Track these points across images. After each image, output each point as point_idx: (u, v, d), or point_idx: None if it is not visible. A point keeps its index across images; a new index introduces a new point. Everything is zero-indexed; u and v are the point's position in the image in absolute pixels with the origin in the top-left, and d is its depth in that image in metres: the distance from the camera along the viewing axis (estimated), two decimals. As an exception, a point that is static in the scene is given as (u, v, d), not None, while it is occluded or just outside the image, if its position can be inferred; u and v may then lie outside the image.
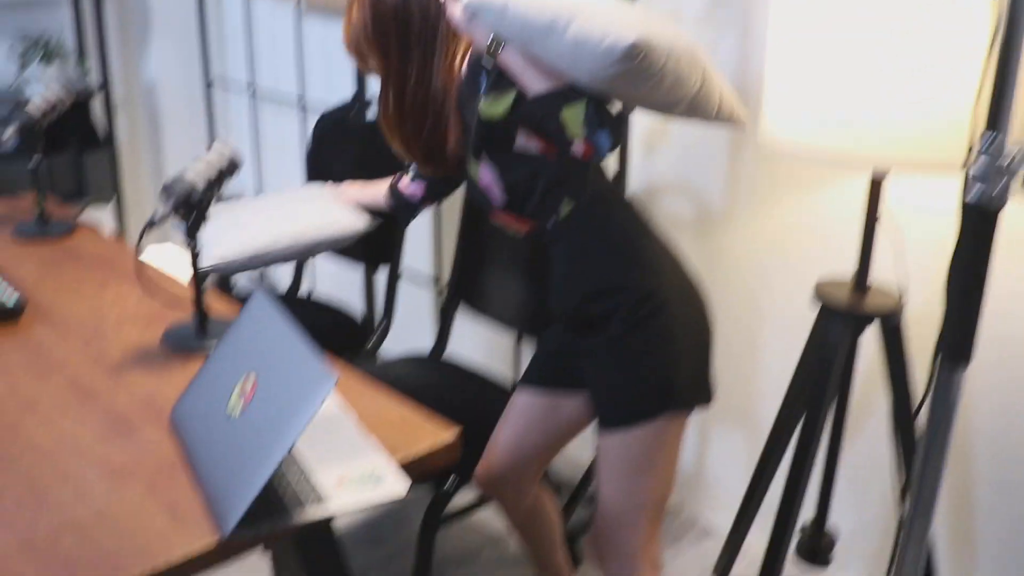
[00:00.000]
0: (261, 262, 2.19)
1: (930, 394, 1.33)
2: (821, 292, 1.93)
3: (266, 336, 1.44)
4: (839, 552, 2.44)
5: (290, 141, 3.79)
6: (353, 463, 1.42)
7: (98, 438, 1.52)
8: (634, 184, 2.63)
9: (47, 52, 3.53)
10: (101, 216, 3.98)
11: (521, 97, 1.65)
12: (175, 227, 1.74)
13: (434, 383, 2.39)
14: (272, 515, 1.31)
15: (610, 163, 2.51)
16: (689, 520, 2.77)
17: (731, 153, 2.39)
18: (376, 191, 2.32)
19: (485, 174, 1.78)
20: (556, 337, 1.90)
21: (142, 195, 4.19)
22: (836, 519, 2.43)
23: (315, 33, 3.51)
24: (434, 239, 3.16)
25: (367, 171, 2.74)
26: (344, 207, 2.32)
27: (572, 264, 1.76)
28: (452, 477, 2.13)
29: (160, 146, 4.05)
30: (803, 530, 2.21)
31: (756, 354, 2.49)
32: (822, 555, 2.17)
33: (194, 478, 1.41)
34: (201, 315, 1.82)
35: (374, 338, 2.74)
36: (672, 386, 1.69)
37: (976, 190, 1.19)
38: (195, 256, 1.77)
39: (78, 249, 2.35)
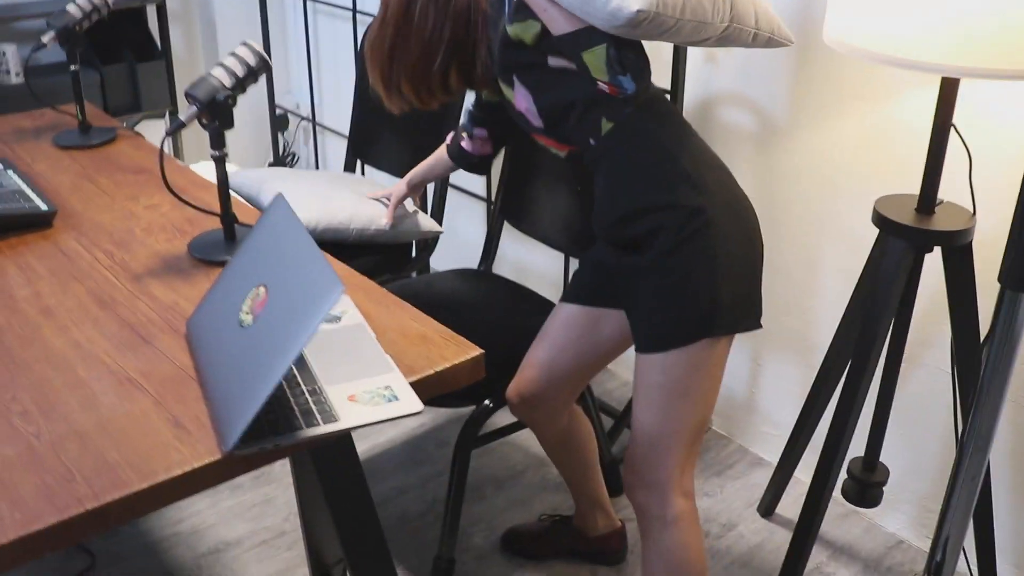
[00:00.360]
0: (335, 235, 2.35)
1: (995, 325, 1.22)
2: (881, 209, 1.80)
3: (280, 245, 1.37)
4: (889, 493, 2.34)
5: (345, 50, 3.70)
6: (368, 380, 1.36)
7: (113, 347, 1.48)
8: (691, 95, 2.50)
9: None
10: (158, 127, 3.96)
11: (546, 30, 1.59)
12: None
13: (477, 296, 2.32)
14: (277, 431, 1.25)
15: (658, 75, 2.37)
16: (739, 450, 2.68)
17: (795, 61, 2.24)
18: (438, 164, 2.21)
19: (520, 98, 1.70)
20: (600, 254, 1.81)
21: (199, 108, 4.15)
22: (888, 458, 2.32)
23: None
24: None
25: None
26: (411, 205, 2.43)
27: (614, 183, 1.67)
28: (487, 400, 2.07)
29: (216, 57, 3.99)
30: (851, 468, 2.10)
31: (815, 276, 2.37)
32: (871, 496, 2.06)
33: (203, 391, 1.36)
34: (228, 224, 1.76)
35: (420, 252, 2.67)
36: (715, 309, 1.59)
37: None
38: (222, 161, 1.70)
39: (118, 158, 2.31)
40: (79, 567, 2.26)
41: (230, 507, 2.45)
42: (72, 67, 2.33)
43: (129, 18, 3.75)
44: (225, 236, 1.77)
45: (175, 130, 1.63)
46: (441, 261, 3.59)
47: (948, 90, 1.69)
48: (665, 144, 1.63)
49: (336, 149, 3.99)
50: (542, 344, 1.91)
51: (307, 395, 1.32)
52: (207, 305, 1.49)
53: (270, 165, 3.94)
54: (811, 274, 2.38)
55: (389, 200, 2.36)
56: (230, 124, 1.65)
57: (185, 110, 1.65)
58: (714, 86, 2.45)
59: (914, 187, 2.07)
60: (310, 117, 3.92)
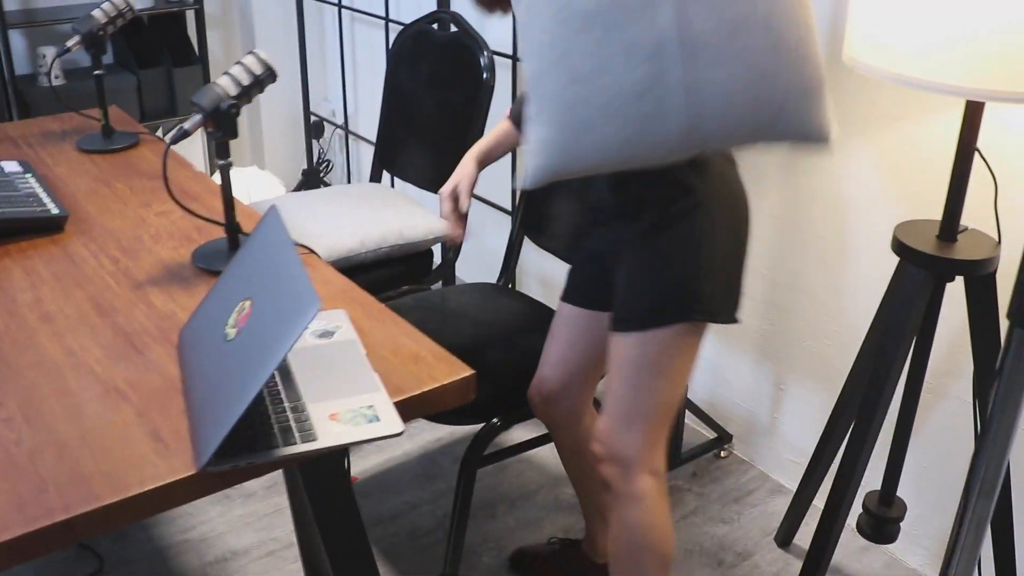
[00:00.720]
0: (347, 263, 2.36)
1: (1002, 365, 1.16)
2: (901, 235, 1.74)
3: (268, 258, 1.35)
4: (912, 528, 2.26)
5: (380, 58, 3.70)
6: (352, 399, 1.33)
7: (105, 356, 1.47)
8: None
9: (139, -35, 3.50)
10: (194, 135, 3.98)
11: None
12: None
13: (492, 311, 2.28)
14: (254, 448, 1.22)
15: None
16: (759, 477, 2.62)
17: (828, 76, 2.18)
18: (504, 135, 2.06)
19: None
20: (590, 244, 1.82)
21: (236, 114, 4.17)
22: (910, 491, 2.24)
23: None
24: (511, 171, 3.03)
25: (440, 87, 2.64)
26: (423, 211, 2.34)
27: None
28: (496, 418, 2.04)
29: (254, 64, 4.01)
30: (866, 503, 2.03)
31: (840, 300, 2.30)
32: (887, 532, 1.99)
33: (186, 404, 1.34)
34: (232, 232, 1.75)
35: (443, 261, 2.64)
36: (696, 294, 1.60)
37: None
38: (226, 170, 1.69)
39: (138, 163, 2.31)
40: (87, 570, 2.26)
41: (241, 516, 2.44)
42: (96, 72, 2.34)
43: (168, 23, 3.78)
44: (229, 245, 1.75)
45: (179, 139, 1.62)
46: (470, 272, 3.57)
47: (973, 113, 1.63)
48: None
49: (369, 158, 3.98)
50: (552, 343, 1.93)
51: (289, 412, 1.30)
52: (199, 316, 1.47)
53: (304, 172, 3.95)
54: (836, 297, 2.31)
55: (459, 189, 1.99)
56: (234, 134, 1.64)
57: (190, 118, 1.64)
58: (742, 104, 2.40)
59: (938, 212, 2.00)
60: (344, 126, 3.92)
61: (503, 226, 3.26)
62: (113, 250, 1.83)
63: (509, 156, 2.99)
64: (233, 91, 1.62)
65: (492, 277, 3.35)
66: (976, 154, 1.66)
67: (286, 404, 1.31)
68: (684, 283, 1.59)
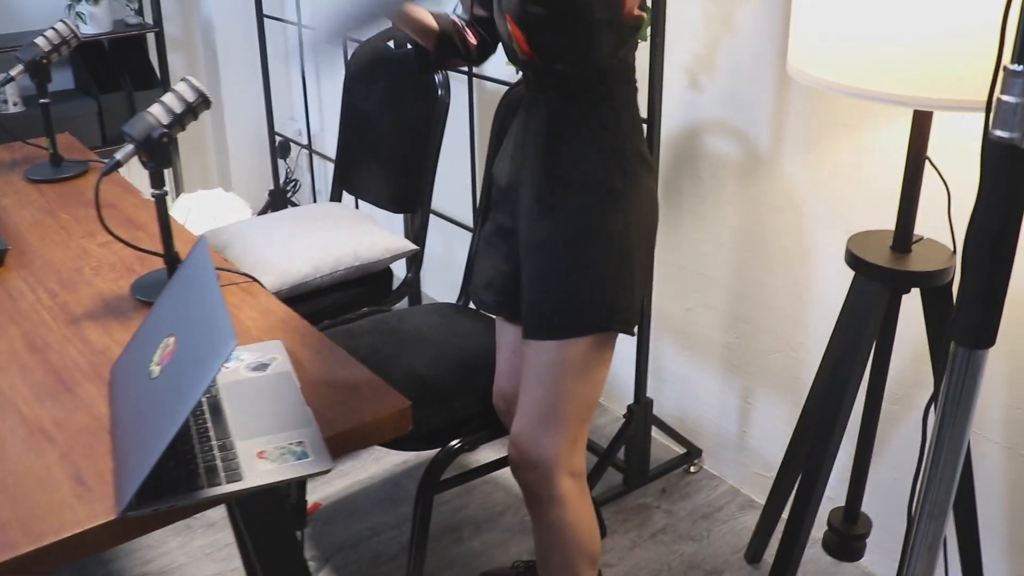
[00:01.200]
0: (304, 289, 2.34)
1: (947, 387, 1.12)
2: (855, 247, 1.70)
3: (193, 292, 1.31)
4: (876, 542, 2.22)
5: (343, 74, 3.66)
6: (282, 435, 1.29)
7: (33, 395, 1.43)
8: (672, 122, 2.41)
9: (96, -11, 3.46)
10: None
11: None
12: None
13: (450, 332, 2.24)
14: (178, 490, 1.18)
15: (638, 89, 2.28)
16: (730, 492, 2.58)
17: (776, 87, 2.16)
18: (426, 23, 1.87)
19: None
20: (494, 231, 1.82)
21: (200, 136, 4.12)
22: (879, 500, 2.21)
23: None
24: (472, 188, 2.99)
25: (396, 105, 2.60)
26: (379, 229, 2.33)
27: (550, 130, 1.63)
28: (454, 441, 1.99)
29: (218, 83, 3.97)
30: (831, 520, 1.99)
31: (804, 312, 2.27)
32: (852, 548, 1.96)
33: (112, 445, 1.30)
34: (171, 263, 1.71)
35: (398, 287, 2.60)
36: (616, 305, 1.61)
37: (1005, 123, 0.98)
38: (161, 200, 1.65)
39: (85, 191, 2.27)
40: (43, 609, 2.20)
41: (201, 546, 2.39)
42: (41, 100, 2.30)
43: (129, 46, 3.74)
44: (168, 276, 1.71)
45: (110, 169, 1.58)
46: (435, 287, 3.53)
47: (921, 122, 1.60)
48: (622, 114, 1.61)
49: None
50: (499, 352, 1.94)
51: (216, 450, 1.26)
52: (129, 352, 1.43)
53: (271, 192, 3.91)
54: (800, 310, 2.28)
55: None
56: (167, 163, 1.60)
57: (122, 148, 1.60)
58: (696, 113, 2.37)
59: (893, 221, 1.97)
60: (308, 145, 3.88)
61: (466, 242, 3.22)
62: (52, 283, 1.79)
63: (469, 174, 2.95)
64: (165, 119, 1.58)
65: (456, 292, 3.31)
66: (927, 162, 1.63)
67: (214, 442, 1.27)
68: (604, 293, 1.59)
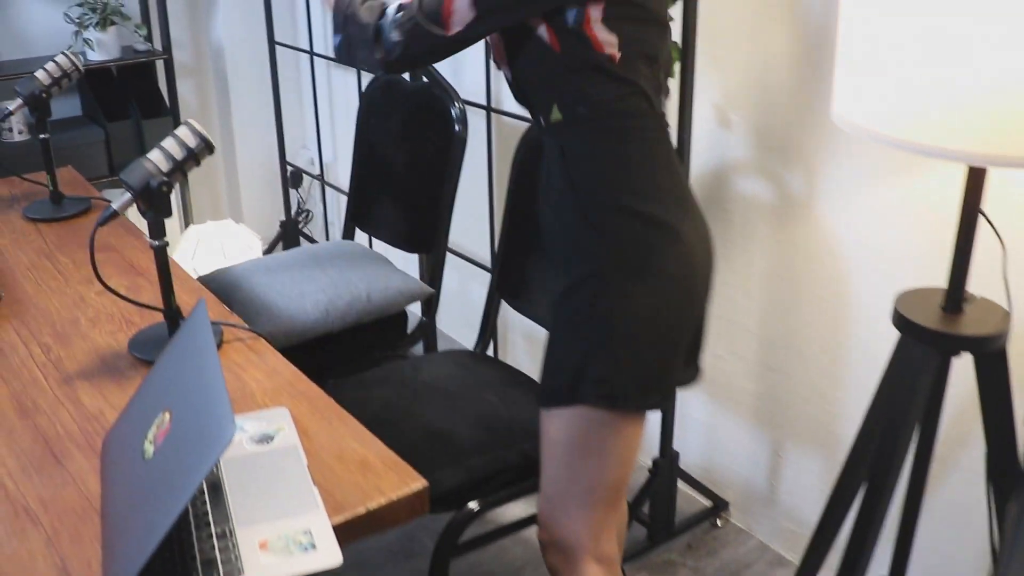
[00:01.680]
0: (314, 334, 2.22)
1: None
2: (903, 307, 1.59)
3: (191, 363, 1.20)
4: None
5: (356, 104, 3.56)
6: (286, 521, 1.18)
7: (20, 468, 1.32)
8: (702, 161, 2.30)
9: (104, 15, 3.37)
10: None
11: None
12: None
13: (466, 384, 2.13)
14: (170, 588, 1.07)
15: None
16: (759, 548, 2.45)
17: (812, 128, 2.05)
18: None
19: (496, 42, 1.51)
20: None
21: (210, 164, 4.03)
22: (921, 568, 2.08)
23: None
24: (490, 225, 2.88)
25: (411, 140, 2.50)
26: (393, 271, 2.25)
27: (544, 183, 1.54)
28: (471, 503, 1.88)
29: (228, 111, 3.88)
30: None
31: (839, 363, 2.15)
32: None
33: (103, 529, 1.19)
34: (171, 319, 1.60)
35: (412, 330, 2.49)
36: (583, 375, 1.46)
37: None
38: (162, 251, 1.55)
39: (86, 232, 2.17)
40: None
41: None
42: (41, 136, 2.20)
43: (138, 73, 3.65)
44: (169, 332, 1.60)
45: (106, 220, 1.49)
46: (451, 326, 3.42)
47: (976, 178, 1.48)
48: (593, 159, 1.45)
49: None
50: None
51: (215, 539, 1.15)
52: (122, 423, 1.32)
53: (282, 223, 3.81)
54: (835, 361, 2.16)
55: None
56: (167, 212, 1.50)
57: (119, 196, 1.50)
58: (726, 153, 2.26)
59: (940, 271, 1.86)
60: (320, 176, 3.79)
61: (484, 282, 3.11)
62: (46, 336, 1.69)
63: (487, 210, 2.84)
64: (165, 167, 1.48)
65: (474, 332, 3.20)
66: (981, 217, 1.51)
67: (212, 530, 1.16)
68: (574, 361, 1.46)
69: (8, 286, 1.88)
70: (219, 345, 1.62)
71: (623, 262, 1.43)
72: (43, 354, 1.62)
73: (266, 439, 1.34)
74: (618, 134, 1.45)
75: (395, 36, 1.42)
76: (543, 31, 1.41)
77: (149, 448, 1.17)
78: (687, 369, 1.59)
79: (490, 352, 2.40)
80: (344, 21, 1.49)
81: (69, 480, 1.29)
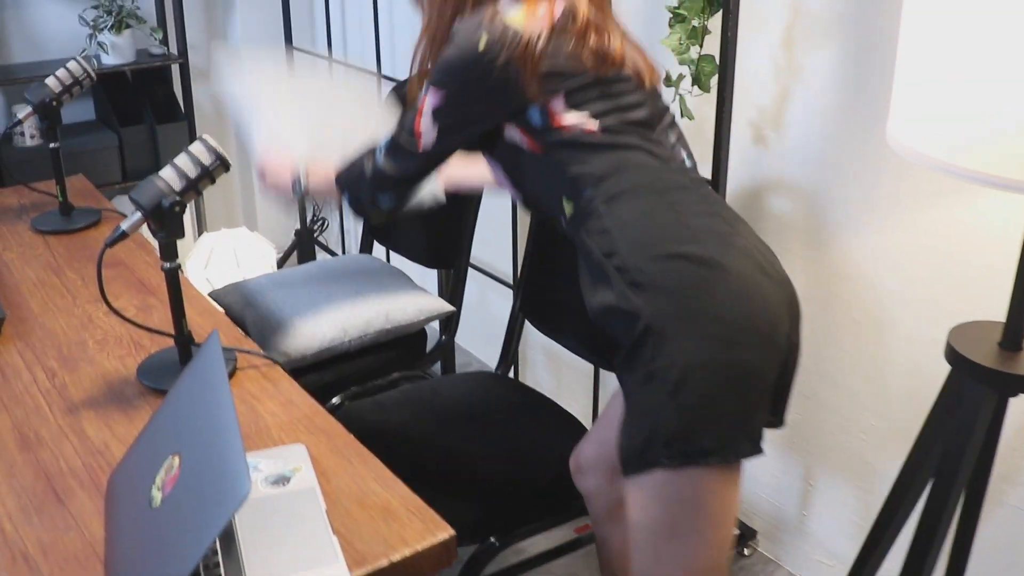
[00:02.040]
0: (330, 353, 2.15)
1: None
2: (957, 342, 1.49)
3: (202, 402, 1.12)
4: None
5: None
6: (303, 574, 1.09)
7: (19, 508, 1.24)
8: (736, 180, 2.21)
9: (119, 18, 3.30)
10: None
11: None
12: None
13: (487, 408, 2.04)
14: (177, 651, 0.99)
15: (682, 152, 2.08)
16: (788, 581, 2.36)
17: (857, 147, 1.95)
18: (477, 170, 1.91)
19: (494, 167, 1.54)
20: None
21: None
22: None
23: (405, 3, 3.20)
24: (513, 235, 2.79)
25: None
26: (413, 288, 2.20)
27: (582, 273, 1.47)
28: (492, 537, 1.80)
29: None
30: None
31: (876, 391, 2.06)
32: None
33: (105, 580, 1.11)
34: (183, 345, 1.52)
35: (431, 349, 2.41)
36: (655, 436, 1.33)
37: None
38: (173, 275, 1.47)
39: (96, 245, 2.09)
40: None
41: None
42: (51, 144, 2.12)
43: (153, 77, 3.58)
44: (180, 359, 1.52)
45: (114, 241, 1.40)
46: (471, 342, 3.34)
47: (1040, 204, 1.39)
48: (613, 230, 1.38)
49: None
50: (602, 415, 1.77)
51: (226, 593, 1.06)
52: (129, 462, 1.24)
53: (297, 232, 3.73)
54: (872, 389, 2.07)
55: None
56: (179, 233, 1.42)
57: (129, 214, 1.42)
58: (760, 171, 2.17)
59: (992, 301, 1.77)
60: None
61: (505, 296, 3.02)
62: (51, 359, 1.61)
63: (510, 223, 2.76)
64: (178, 185, 1.40)
65: (494, 348, 3.12)
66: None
67: (230, 570, 1.08)
68: (646, 424, 1.34)
69: (14, 304, 1.81)
70: (232, 372, 1.54)
71: (672, 311, 1.32)
72: (48, 380, 1.55)
73: (282, 480, 1.26)
74: (632, 197, 1.39)
75: (386, 163, 1.51)
76: (517, 136, 1.43)
77: (157, 495, 1.08)
78: (775, 411, 1.47)
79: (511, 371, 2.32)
80: (345, 180, 1.60)
81: (71, 523, 1.21)
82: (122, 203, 3.33)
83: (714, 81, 1.96)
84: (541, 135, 1.40)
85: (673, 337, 1.30)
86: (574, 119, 1.39)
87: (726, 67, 1.90)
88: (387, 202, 1.56)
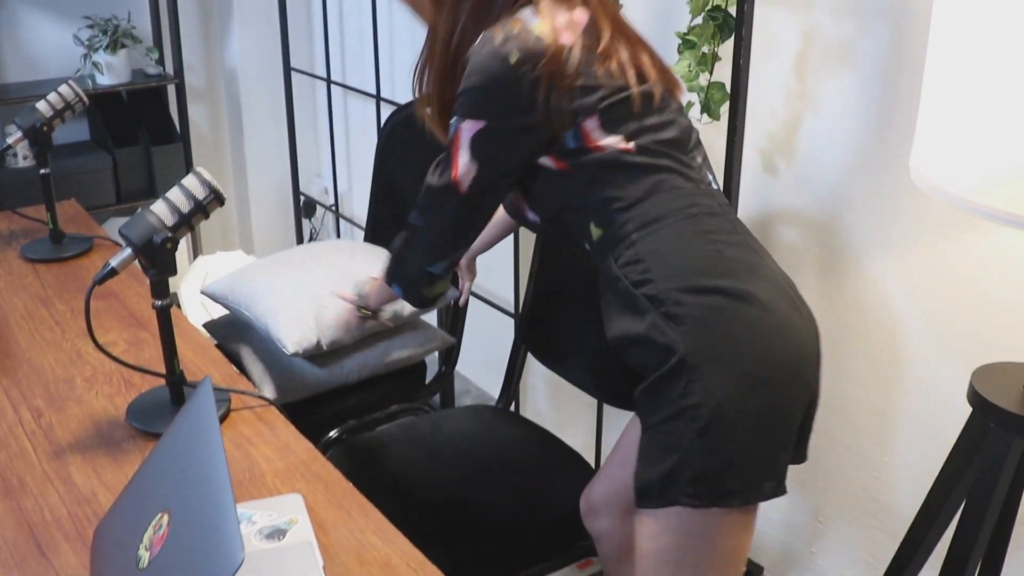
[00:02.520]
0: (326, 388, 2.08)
1: None
2: (981, 385, 1.44)
3: (193, 454, 1.06)
4: None
5: (374, 134, 3.43)
6: (298, 641, 1.03)
7: (1, 562, 1.18)
8: (745, 208, 2.16)
9: (115, 38, 3.24)
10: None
11: None
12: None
13: (489, 444, 1.98)
14: None
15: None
16: (798, 622, 2.30)
17: (872, 177, 1.90)
18: (496, 226, 1.90)
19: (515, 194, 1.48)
20: None
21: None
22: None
23: (405, 22, 3.15)
24: (515, 267, 2.73)
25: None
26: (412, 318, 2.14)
27: (606, 300, 1.41)
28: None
29: (241, 137, 3.75)
30: None
31: (889, 427, 2.00)
32: None
33: (89, 645, 1.05)
34: (174, 385, 1.46)
35: (439, 374, 2.34)
36: (680, 475, 1.28)
37: None
38: (165, 312, 1.40)
39: (87, 274, 2.03)
40: None
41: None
42: (42, 171, 2.07)
43: (148, 98, 3.52)
44: (172, 400, 1.46)
45: (103, 278, 1.34)
46: (472, 371, 3.27)
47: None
48: (647, 258, 1.32)
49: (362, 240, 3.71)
50: (613, 452, 1.71)
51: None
52: (116, 515, 1.18)
53: (293, 255, 3.67)
54: (884, 424, 2.01)
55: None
56: (172, 270, 1.36)
57: (119, 252, 1.36)
58: (772, 200, 2.12)
59: (1020, 349, 1.71)
60: (334, 206, 3.65)
61: (505, 324, 2.96)
62: (38, 398, 1.55)
63: (512, 253, 2.70)
64: (170, 221, 1.34)
65: (492, 374, 3.06)
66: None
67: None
68: (669, 458, 1.28)
69: (1, 337, 1.74)
70: (226, 414, 1.48)
71: (709, 346, 1.26)
72: (33, 420, 1.48)
73: (277, 534, 1.19)
74: (666, 224, 1.33)
75: (423, 219, 1.45)
76: (548, 162, 1.36)
77: (144, 555, 1.02)
78: (796, 446, 1.42)
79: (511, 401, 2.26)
80: (392, 273, 1.56)
81: (54, 579, 1.15)
82: (116, 225, 3.27)
83: (724, 107, 1.91)
84: (574, 156, 1.34)
85: (710, 374, 1.25)
86: (609, 140, 1.32)
87: (738, 96, 1.85)
88: (440, 267, 1.48)
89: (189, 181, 1.38)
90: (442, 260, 1.47)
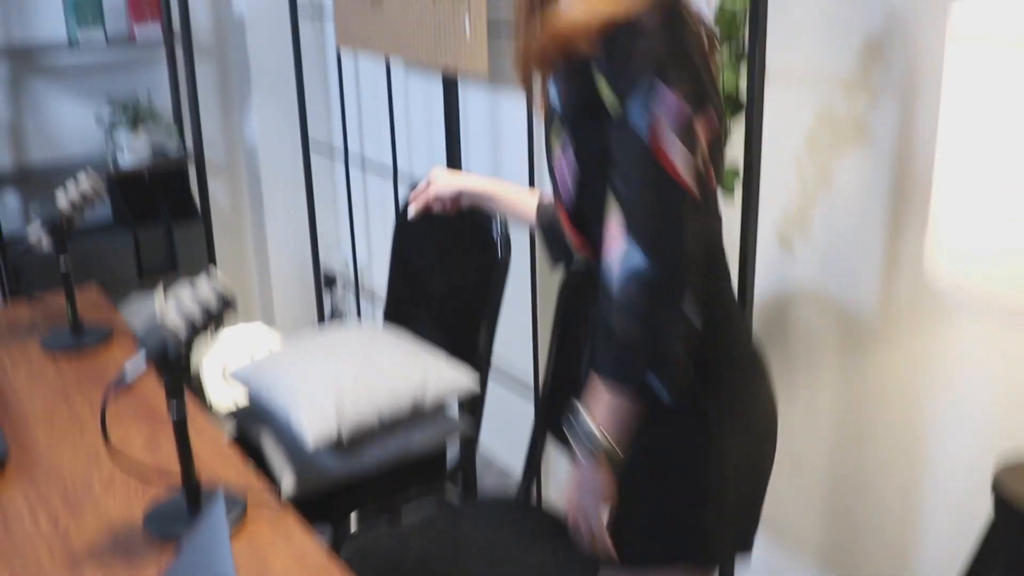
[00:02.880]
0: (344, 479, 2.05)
1: None
2: (1005, 484, 1.41)
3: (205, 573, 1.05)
4: None
5: (392, 207, 3.45)
6: None
7: None
8: (762, 285, 2.15)
9: (135, 116, 3.29)
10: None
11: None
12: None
13: (509, 542, 1.94)
14: None
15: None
16: None
17: (886, 254, 1.89)
18: (518, 200, 1.77)
19: (565, 155, 1.32)
20: None
21: (241, 263, 3.93)
22: None
23: (420, 96, 3.18)
24: (534, 344, 2.71)
25: (450, 261, 2.37)
26: (444, 364, 2.08)
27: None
28: None
29: (261, 213, 3.79)
30: None
31: (913, 512, 1.97)
32: None
33: None
34: (191, 492, 1.45)
35: (451, 470, 2.32)
36: (701, 534, 1.29)
37: None
38: (182, 426, 1.40)
39: (107, 365, 2.04)
40: None
41: None
42: (62, 270, 2.08)
43: (169, 175, 3.56)
44: (188, 508, 1.46)
45: (118, 387, 1.35)
46: (494, 446, 3.25)
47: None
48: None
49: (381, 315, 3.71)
50: None
51: None
52: (129, 635, 1.17)
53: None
54: (910, 508, 1.98)
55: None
56: (187, 377, 1.36)
57: (133, 356, 1.36)
58: (787, 279, 2.11)
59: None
60: (352, 280, 3.67)
61: (524, 395, 2.94)
62: (55, 502, 1.55)
63: (531, 331, 2.68)
64: (183, 335, 1.34)
65: (517, 455, 3.02)
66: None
67: None
68: (669, 512, 1.29)
69: (19, 436, 1.75)
70: (243, 514, 1.47)
71: (720, 397, 1.28)
72: (50, 525, 1.48)
73: (291, 653, 1.18)
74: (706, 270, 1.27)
75: (642, 257, 1.14)
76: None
77: None
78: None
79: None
80: (616, 362, 1.20)
81: None
82: (137, 303, 3.29)
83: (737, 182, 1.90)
84: None
85: (717, 425, 1.27)
86: (677, 156, 1.16)
87: (751, 174, 1.84)
88: (691, 308, 1.14)
89: (202, 289, 1.38)
90: (688, 299, 1.15)
